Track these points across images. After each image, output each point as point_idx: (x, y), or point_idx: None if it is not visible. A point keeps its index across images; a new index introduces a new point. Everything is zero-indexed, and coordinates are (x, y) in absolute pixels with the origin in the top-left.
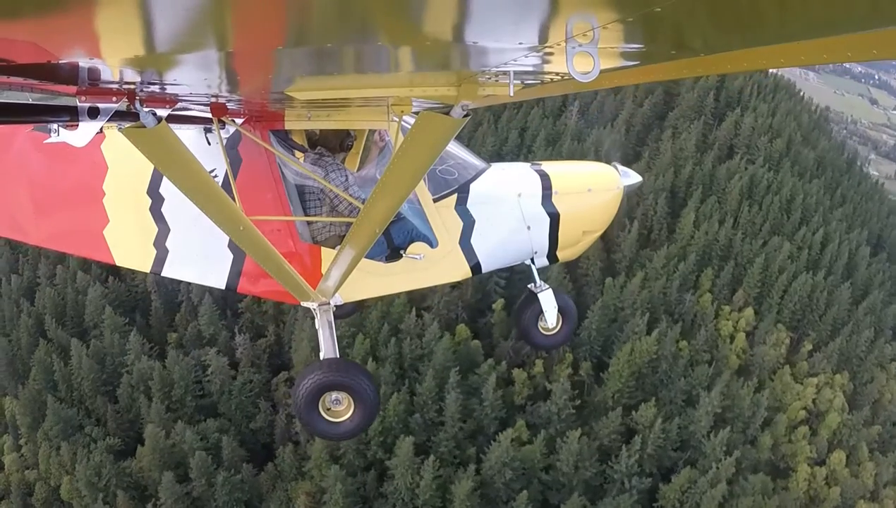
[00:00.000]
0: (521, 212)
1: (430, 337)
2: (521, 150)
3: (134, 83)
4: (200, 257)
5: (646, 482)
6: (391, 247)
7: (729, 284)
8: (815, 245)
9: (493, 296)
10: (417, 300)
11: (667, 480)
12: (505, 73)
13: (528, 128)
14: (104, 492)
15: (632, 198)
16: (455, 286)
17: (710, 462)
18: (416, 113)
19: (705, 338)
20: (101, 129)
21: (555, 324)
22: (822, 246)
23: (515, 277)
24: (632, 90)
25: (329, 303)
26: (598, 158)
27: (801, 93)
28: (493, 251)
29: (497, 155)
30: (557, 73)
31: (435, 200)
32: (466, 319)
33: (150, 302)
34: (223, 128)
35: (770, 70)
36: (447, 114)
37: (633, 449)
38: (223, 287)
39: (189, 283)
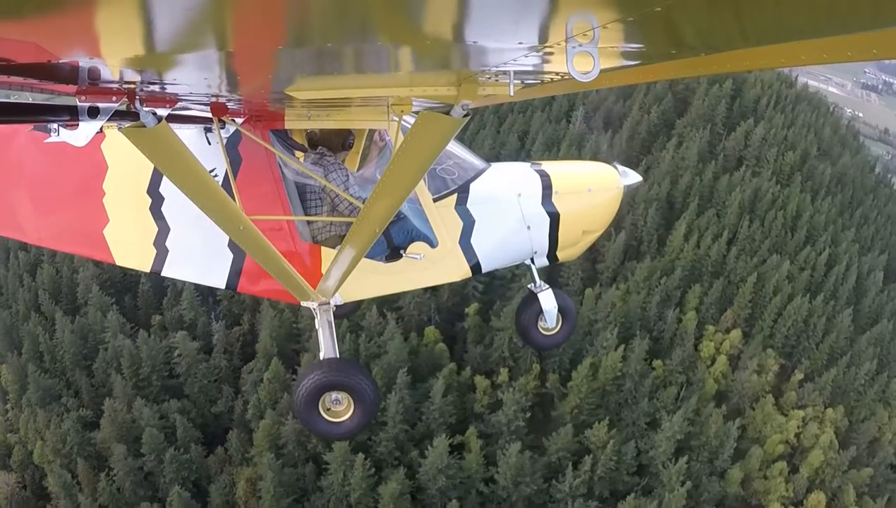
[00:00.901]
0: (521, 212)
1: (388, 336)
2: (520, 153)
3: (134, 83)
4: (200, 257)
5: (592, 505)
6: (391, 246)
7: (717, 303)
8: (820, 266)
9: (471, 300)
10: (387, 299)
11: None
12: (505, 72)
13: (529, 131)
14: (67, 459)
15: (622, 207)
16: (432, 288)
17: (667, 491)
18: (416, 113)
19: (681, 359)
20: (101, 129)
21: (555, 325)
22: (828, 268)
23: (496, 282)
24: (640, 96)
25: (329, 303)
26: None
27: (831, 108)
28: (493, 251)
29: (495, 158)
30: (557, 73)
31: (435, 200)
32: (439, 321)
33: (139, 285)
34: (223, 128)
35: (797, 83)
36: (447, 114)
37: (583, 470)
38: (223, 286)
39: None
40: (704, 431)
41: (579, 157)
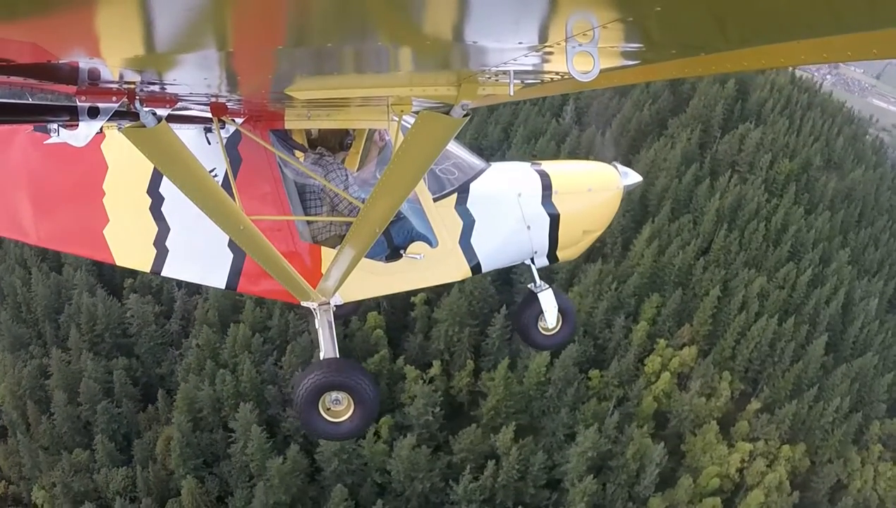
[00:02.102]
0: (522, 212)
1: None
2: (503, 144)
3: (134, 83)
4: (200, 257)
5: None
6: (391, 246)
7: (675, 316)
8: (801, 286)
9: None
10: None
11: None
12: (505, 72)
13: (514, 122)
14: (20, 400)
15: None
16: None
17: None
18: (416, 113)
19: (619, 371)
20: (101, 129)
21: (555, 325)
22: (810, 288)
23: None
24: (637, 93)
25: (329, 303)
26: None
27: (853, 113)
28: (494, 251)
29: (477, 148)
30: (557, 73)
31: (435, 200)
32: (388, 308)
33: None
34: (223, 128)
35: (819, 90)
36: (447, 113)
37: (485, 475)
38: (223, 286)
39: None
40: (622, 451)
41: (558, 153)
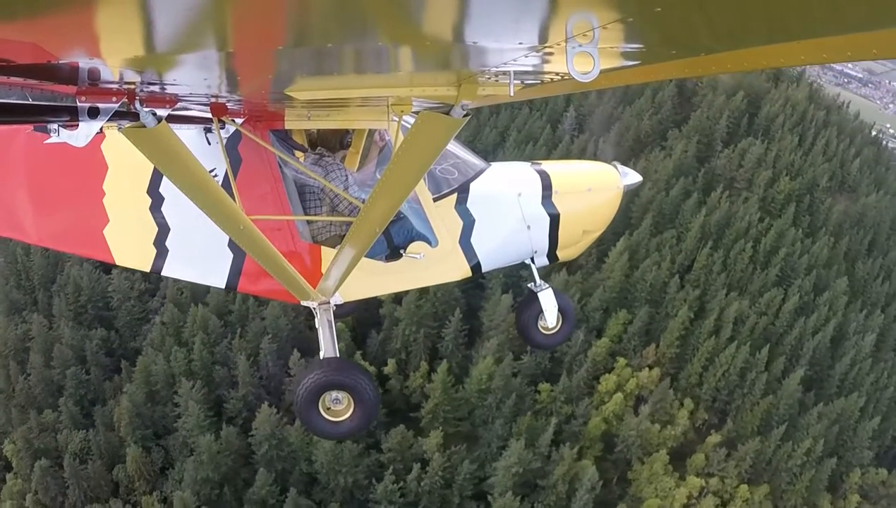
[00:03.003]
0: (522, 212)
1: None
2: (497, 150)
3: (134, 83)
4: (200, 256)
5: None
6: (391, 246)
7: (642, 334)
8: (785, 314)
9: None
10: None
11: None
12: (505, 73)
13: (510, 125)
14: (5, 360)
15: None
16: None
17: None
18: (416, 113)
19: (566, 387)
20: (101, 129)
21: (555, 324)
22: (794, 317)
23: None
24: (641, 101)
25: (329, 303)
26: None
27: (881, 138)
28: (494, 250)
29: (472, 148)
30: (557, 73)
31: (435, 200)
32: (360, 303)
33: None
34: (223, 128)
35: (843, 108)
36: (447, 114)
37: (410, 478)
38: (223, 286)
39: None
40: (554, 472)
41: (548, 157)
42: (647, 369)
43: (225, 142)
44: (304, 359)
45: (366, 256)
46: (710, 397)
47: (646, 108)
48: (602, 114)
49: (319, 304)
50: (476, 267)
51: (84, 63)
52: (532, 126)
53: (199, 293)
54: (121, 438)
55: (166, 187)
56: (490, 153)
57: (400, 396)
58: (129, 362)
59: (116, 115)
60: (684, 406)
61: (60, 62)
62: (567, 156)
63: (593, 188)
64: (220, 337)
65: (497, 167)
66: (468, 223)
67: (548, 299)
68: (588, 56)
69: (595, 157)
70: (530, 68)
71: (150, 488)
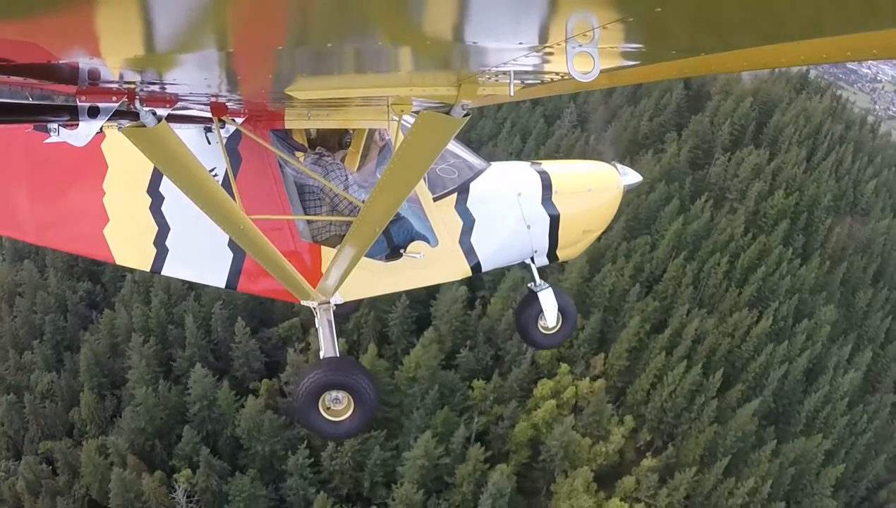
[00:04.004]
0: (522, 212)
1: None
2: (488, 142)
3: (134, 83)
4: (200, 256)
5: (310, 491)
6: (391, 245)
7: (593, 342)
8: (753, 339)
9: None
10: None
11: None
12: (505, 72)
13: (506, 119)
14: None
15: None
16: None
17: None
18: (416, 113)
19: (497, 386)
20: (101, 129)
21: (555, 324)
22: (760, 343)
23: None
24: (645, 102)
25: (329, 302)
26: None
27: None
28: (494, 250)
29: (466, 140)
30: (557, 73)
31: (435, 199)
32: None
33: None
34: (223, 128)
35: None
36: (447, 113)
37: (324, 456)
38: (223, 286)
39: None
40: (459, 475)
41: (537, 154)
42: (588, 379)
43: (225, 141)
44: (248, 328)
45: (366, 256)
46: (656, 417)
47: (646, 109)
48: (602, 112)
49: (319, 304)
50: (476, 267)
51: (84, 63)
52: (528, 120)
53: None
54: (81, 384)
55: (166, 186)
56: (483, 144)
57: (301, 365)
58: (102, 314)
59: (116, 115)
60: (624, 423)
61: (60, 62)
62: (558, 151)
63: (593, 188)
64: (181, 298)
65: (497, 167)
66: (468, 223)
67: (548, 299)
68: (588, 56)
69: (585, 155)
70: (530, 68)
71: (99, 432)
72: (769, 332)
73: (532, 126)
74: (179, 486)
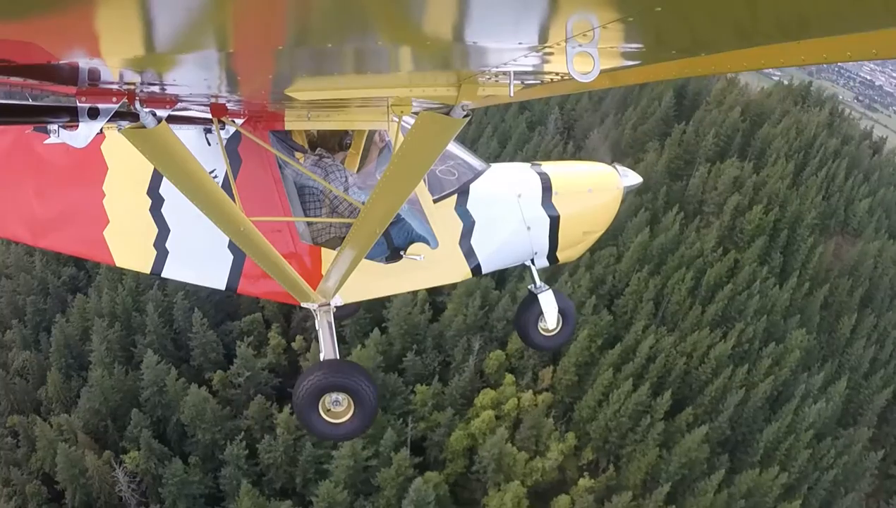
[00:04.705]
0: (522, 213)
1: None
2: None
3: (134, 83)
4: (200, 258)
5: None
6: (391, 247)
7: (545, 355)
8: (712, 360)
9: None
10: None
11: None
12: (505, 73)
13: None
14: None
15: None
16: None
17: None
18: (416, 113)
19: (438, 394)
20: (101, 130)
21: (555, 326)
22: (726, 365)
23: None
24: (630, 111)
25: (329, 304)
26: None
27: None
28: (494, 252)
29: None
30: (557, 73)
31: (435, 201)
32: None
33: None
34: (223, 129)
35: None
36: (447, 114)
37: (260, 448)
38: (223, 288)
39: None
40: (381, 479)
41: (515, 156)
42: (532, 392)
43: (225, 142)
44: (206, 320)
45: (366, 258)
46: (601, 437)
47: (630, 119)
48: (587, 120)
49: (319, 306)
50: (476, 269)
51: (84, 63)
52: (511, 124)
53: None
54: (50, 364)
55: (166, 188)
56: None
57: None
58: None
59: (116, 116)
60: (566, 440)
61: (60, 62)
62: (535, 154)
63: (593, 189)
64: (148, 287)
65: (497, 168)
66: (468, 224)
67: (548, 301)
68: (588, 56)
69: (560, 158)
70: (530, 68)
71: (63, 410)
72: (731, 355)
73: (512, 131)
74: (120, 466)
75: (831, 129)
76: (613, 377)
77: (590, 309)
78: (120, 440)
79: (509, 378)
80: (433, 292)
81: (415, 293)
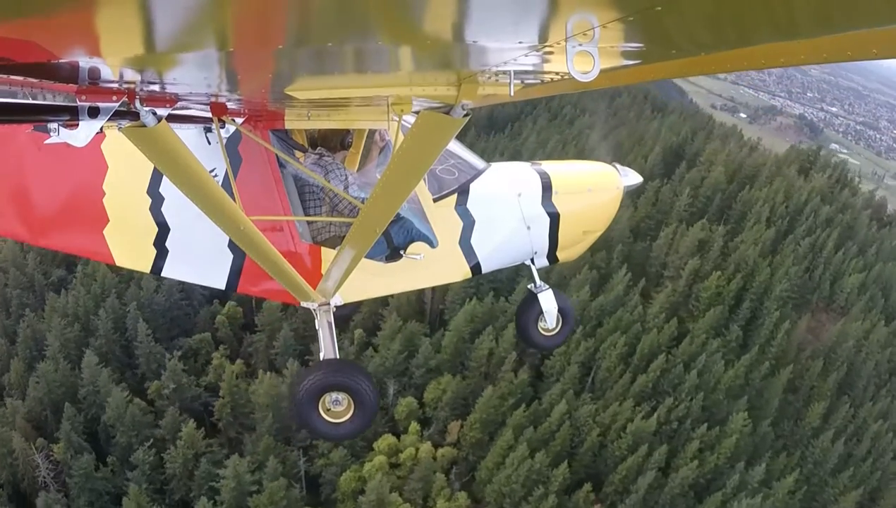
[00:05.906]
0: (522, 212)
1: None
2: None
3: (134, 82)
4: (200, 257)
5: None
6: (391, 247)
7: (457, 407)
8: (629, 436)
9: None
10: None
11: None
12: (505, 72)
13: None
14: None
15: None
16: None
17: None
18: (416, 113)
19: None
20: (102, 129)
21: (555, 325)
22: (639, 441)
23: None
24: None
25: (329, 304)
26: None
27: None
28: (494, 251)
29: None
30: (557, 73)
31: (435, 200)
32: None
33: None
34: (223, 128)
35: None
36: (447, 113)
37: (166, 456)
38: (223, 287)
39: None
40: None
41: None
42: (429, 443)
43: (225, 141)
44: (150, 332)
45: (366, 257)
46: (495, 501)
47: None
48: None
49: (319, 305)
50: (476, 268)
51: (84, 62)
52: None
53: None
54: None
55: (166, 187)
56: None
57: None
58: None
59: (116, 115)
60: (456, 499)
61: (60, 61)
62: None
63: (593, 188)
64: (126, 279)
65: (497, 167)
66: (468, 224)
67: (548, 300)
68: (588, 55)
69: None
70: (530, 67)
71: (20, 396)
72: (658, 432)
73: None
74: (42, 452)
75: (831, 196)
76: (515, 440)
77: (508, 366)
78: (56, 430)
79: (414, 426)
80: (370, 333)
81: (351, 330)
